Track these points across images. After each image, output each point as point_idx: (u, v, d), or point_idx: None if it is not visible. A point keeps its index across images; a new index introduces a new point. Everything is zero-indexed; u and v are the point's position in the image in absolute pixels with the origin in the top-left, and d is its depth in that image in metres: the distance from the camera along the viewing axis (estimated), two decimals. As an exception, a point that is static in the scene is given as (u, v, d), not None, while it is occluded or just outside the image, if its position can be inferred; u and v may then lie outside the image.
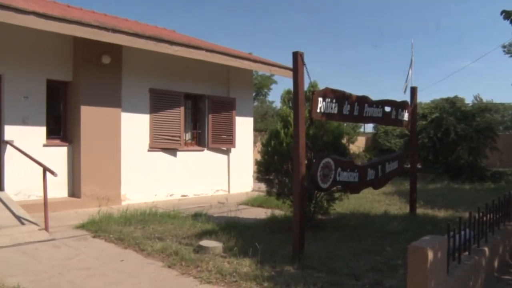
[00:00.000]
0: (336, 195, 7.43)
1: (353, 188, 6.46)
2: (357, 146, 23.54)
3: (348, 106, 6.14)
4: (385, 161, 7.26)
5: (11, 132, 8.65)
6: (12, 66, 8.69)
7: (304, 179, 5.39)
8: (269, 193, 7.71)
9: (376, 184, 7.00)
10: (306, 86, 5.69)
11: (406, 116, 7.89)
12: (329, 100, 5.72)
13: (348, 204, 9.10)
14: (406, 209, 8.79)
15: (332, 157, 5.74)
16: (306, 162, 5.64)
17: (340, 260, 5.23)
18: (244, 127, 12.69)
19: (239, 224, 7.29)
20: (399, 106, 7.61)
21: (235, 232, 6.46)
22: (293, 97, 5.56)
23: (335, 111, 5.88)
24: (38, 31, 8.17)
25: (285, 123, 7.31)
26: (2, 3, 7.35)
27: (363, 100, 6.53)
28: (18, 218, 7.18)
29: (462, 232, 4.12)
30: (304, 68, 5.43)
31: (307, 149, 5.79)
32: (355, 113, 6.35)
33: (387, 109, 7.25)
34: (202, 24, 57.98)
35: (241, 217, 8.22)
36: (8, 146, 8.54)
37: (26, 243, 6.17)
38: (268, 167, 7.39)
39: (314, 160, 5.79)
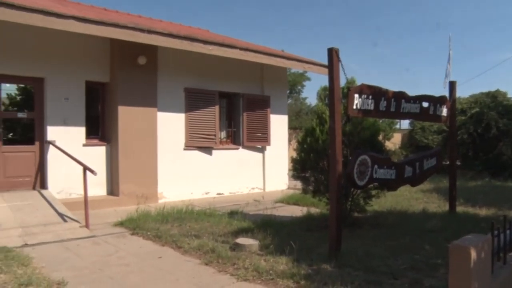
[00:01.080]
0: (373, 192, 7.33)
1: (390, 185, 6.35)
2: (393, 143, 23.10)
3: (385, 102, 6.04)
4: (423, 157, 7.11)
5: (53, 132, 8.95)
6: (53, 69, 8.99)
7: (340, 177, 5.33)
8: (305, 190, 7.67)
9: (414, 181, 6.86)
10: (341, 82, 5.63)
11: (444, 111, 7.68)
12: (365, 96, 5.64)
13: (385, 201, 8.95)
14: (445, 207, 8.56)
15: (369, 154, 5.66)
16: (342, 159, 5.58)
17: (377, 259, 5.15)
18: (278, 125, 12.68)
19: (275, 222, 7.28)
20: (437, 101, 7.42)
21: (271, 230, 6.45)
22: (329, 94, 5.51)
23: (372, 107, 5.80)
24: (77, 35, 8.43)
25: (320, 120, 7.25)
26: (44, 9, 7.62)
27: (400, 96, 6.41)
28: (61, 215, 7.43)
29: (508, 231, 3.97)
30: (340, 64, 5.37)
31: (343, 146, 5.74)
32: (392, 109, 6.24)
33: (425, 104, 7.09)
34: (234, 23, 58.18)
35: (277, 215, 8.21)
36: (51, 146, 8.85)
37: (69, 240, 6.37)
38: (304, 165, 7.35)
39: (350, 157, 5.73)
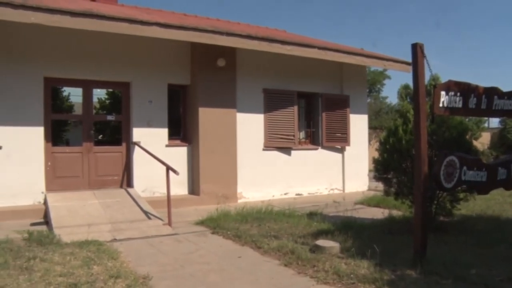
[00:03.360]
0: (461, 195, 6.87)
1: (481, 188, 5.89)
2: (481, 142, 21.68)
3: (475, 99, 5.62)
4: (519, 158, 6.54)
5: (138, 134, 9.38)
6: (138, 74, 9.43)
7: (426, 178, 5.05)
8: (386, 192, 7.38)
9: (509, 184, 6.33)
10: (425, 79, 5.33)
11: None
12: (452, 93, 5.29)
13: (473, 205, 8.36)
14: (546, 212, 7.85)
15: (457, 155, 5.30)
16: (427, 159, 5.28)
17: (467, 267, 4.77)
18: (358, 124, 12.37)
19: (356, 224, 7.08)
20: (536, 96, 6.80)
21: (351, 232, 6.26)
22: (413, 92, 5.23)
23: (460, 105, 5.42)
24: (159, 40, 8.75)
25: (404, 120, 6.94)
26: (130, 18, 8.07)
27: (492, 92, 5.94)
28: (146, 213, 7.75)
29: None
30: (424, 60, 5.09)
31: (428, 146, 5.43)
32: (483, 106, 5.79)
33: (521, 100, 6.52)
34: (311, 23, 57.82)
35: (357, 217, 7.99)
36: (136, 147, 9.27)
37: (153, 236, 6.61)
38: (386, 166, 7.07)
39: (436, 158, 5.40)
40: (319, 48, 10.36)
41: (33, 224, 7.24)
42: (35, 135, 8.44)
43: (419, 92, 5.03)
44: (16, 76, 8.25)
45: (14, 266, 4.80)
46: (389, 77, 31.54)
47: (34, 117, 8.41)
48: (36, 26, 7.62)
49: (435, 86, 5.16)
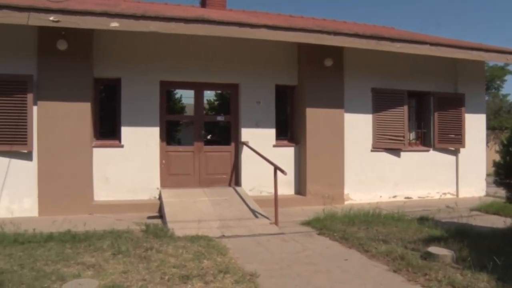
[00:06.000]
0: None
1: None
2: None
3: None
4: None
5: (246, 134, 9.66)
6: (246, 75, 9.71)
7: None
8: (509, 199, 6.76)
9: None
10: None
11: None
12: None
13: None
14: None
15: None
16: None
17: None
18: (474, 125, 11.48)
19: (472, 232, 6.59)
20: None
21: (467, 241, 5.84)
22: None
23: None
24: (266, 42, 8.94)
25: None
26: (239, 21, 8.43)
27: None
28: (253, 211, 7.95)
29: None
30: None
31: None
32: None
33: None
34: (420, 18, 55.04)
35: (473, 224, 7.44)
36: (244, 147, 9.55)
37: (260, 235, 6.75)
38: (509, 170, 6.49)
39: None
40: (431, 44, 9.81)
41: (149, 218, 7.82)
42: (152, 135, 9.11)
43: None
44: (138, 81, 9.00)
45: (134, 254, 5.27)
46: (510, 73, 28.88)
47: (151, 118, 9.08)
48: (152, 34, 8.24)
49: None
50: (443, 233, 6.44)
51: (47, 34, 8.03)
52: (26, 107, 8.05)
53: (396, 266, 5.01)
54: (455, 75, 11.36)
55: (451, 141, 11.23)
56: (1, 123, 7.94)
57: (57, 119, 8.21)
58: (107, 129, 9.24)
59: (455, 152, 11.36)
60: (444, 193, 11.19)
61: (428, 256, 5.21)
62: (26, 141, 8.05)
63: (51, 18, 7.32)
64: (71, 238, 5.94)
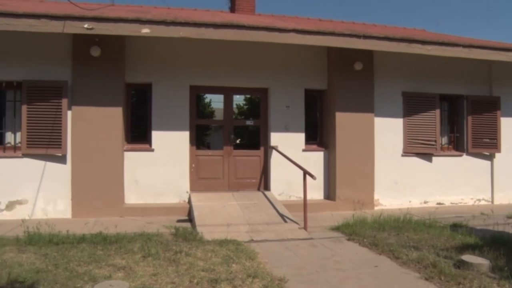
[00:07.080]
0: None
1: None
2: None
3: None
4: None
5: (275, 138, 9.65)
6: (275, 80, 9.71)
7: None
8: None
9: None
10: None
11: None
12: None
13: None
14: None
15: None
16: None
17: None
18: (511, 129, 11.15)
19: (510, 240, 6.36)
20: None
21: (504, 249, 5.65)
22: None
23: None
24: (295, 46, 8.93)
25: None
26: (268, 26, 8.40)
27: None
28: (282, 216, 7.93)
29: None
30: None
31: None
32: None
33: None
34: (454, 19, 53.86)
35: (511, 232, 7.22)
36: (273, 151, 9.54)
37: (288, 240, 6.74)
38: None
39: None
40: (464, 46, 9.57)
41: (179, 221, 7.90)
42: (182, 139, 9.21)
43: None
44: (168, 86, 9.14)
45: (164, 257, 5.35)
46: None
47: (181, 123, 9.19)
48: (182, 40, 8.34)
49: None
50: (478, 241, 6.27)
51: (81, 41, 8.27)
52: (61, 112, 8.30)
53: (428, 274, 4.91)
54: (490, 77, 11.06)
55: (486, 145, 10.93)
56: (37, 127, 8.21)
57: (90, 123, 8.42)
58: (138, 133, 9.40)
59: (490, 157, 11.05)
60: (478, 199, 10.89)
61: (461, 264, 5.09)
62: (60, 144, 8.29)
63: (85, 26, 7.53)
64: (102, 240, 6.07)
